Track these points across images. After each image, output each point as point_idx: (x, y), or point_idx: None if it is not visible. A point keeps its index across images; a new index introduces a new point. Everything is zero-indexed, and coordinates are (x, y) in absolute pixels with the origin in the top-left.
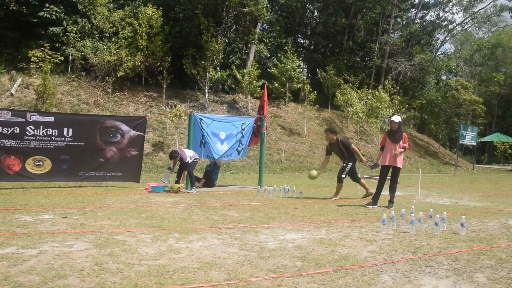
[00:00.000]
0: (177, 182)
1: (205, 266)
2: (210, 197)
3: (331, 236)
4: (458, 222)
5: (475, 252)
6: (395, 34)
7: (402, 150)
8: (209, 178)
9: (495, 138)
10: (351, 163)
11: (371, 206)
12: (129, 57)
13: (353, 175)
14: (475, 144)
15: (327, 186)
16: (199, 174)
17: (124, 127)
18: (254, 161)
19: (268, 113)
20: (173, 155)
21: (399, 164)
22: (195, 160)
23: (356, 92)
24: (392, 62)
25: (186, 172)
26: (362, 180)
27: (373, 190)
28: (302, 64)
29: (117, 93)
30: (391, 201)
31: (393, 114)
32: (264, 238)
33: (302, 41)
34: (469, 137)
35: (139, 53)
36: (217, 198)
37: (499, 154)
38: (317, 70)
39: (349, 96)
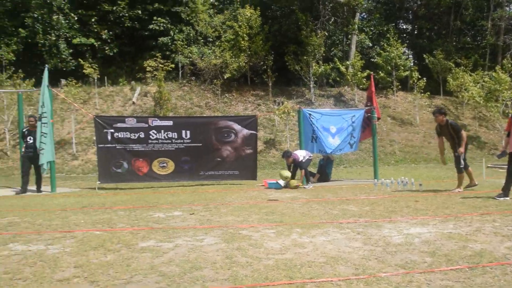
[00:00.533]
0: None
1: (331, 260)
2: (326, 191)
3: (460, 231)
4: None
5: None
6: (511, 7)
7: None
8: (324, 173)
9: None
10: (464, 153)
11: (502, 198)
12: (233, 59)
13: (458, 163)
14: None
15: (447, 178)
16: (313, 170)
17: (237, 127)
18: (366, 154)
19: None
20: (286, 154)
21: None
22: (309, 158)
23: (470, 75)
24: (510, 39)
25: (302, 171)
26: (470, 169)
27: (502, 181)
28: (407, 51)
29: (226, 94)
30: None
31: None
32: (388, 232)
33: (404, 26)
34: None
35: (242, 54)
36: (333, 192)
37: None
38: (424, 56)
39: (462, 80)
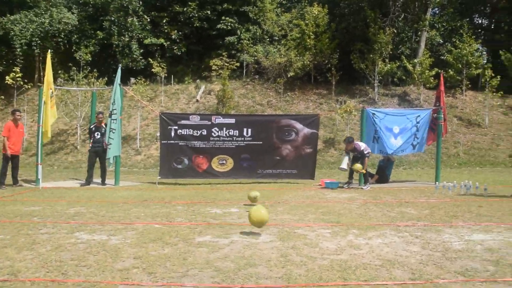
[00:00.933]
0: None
1: (387, 263)
2: (384, 193)
3: None
4: None
5: None
6: None
7: None
8: (383, 174)
9: None
10: None
11: None
12: (298, 57)
13: None
14: None
15: None
16: (372, 170)
17: (298, 125)
18: (428, 156)
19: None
20: (348, 140)
21: None
22: (367, 154)
23: None
24: None
25: (365, 159)
26: None
27: None
28: (481, 47)
29: (288, 93)
30: None
31: None
32: (448, 237)
33: (480, 21)
34: None
35: (307, 52)
36: (392, 194)
37: None
38: (500, 52)
39: None
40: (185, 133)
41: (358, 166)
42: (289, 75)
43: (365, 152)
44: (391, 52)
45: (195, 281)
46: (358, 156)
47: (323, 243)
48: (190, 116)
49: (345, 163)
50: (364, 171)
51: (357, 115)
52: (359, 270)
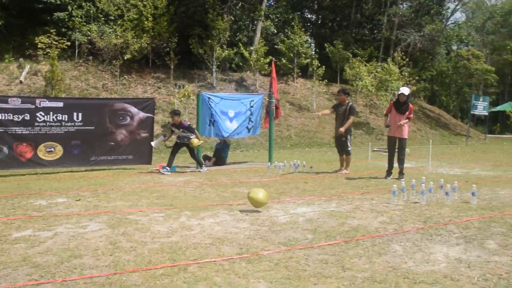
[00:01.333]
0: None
1: (217, 241)
2: (221, 175)
3: (341, 209)
4: (469, 191)
5: (486, 220)
6: (404, 5)
7: (407, 120)
8: (219, 157)
9: (508, 107)
10: (350, 136)
11: (388, 178)
12: (136, 40)
13: (342, 146)
14: (487, 114)
15: (337, 160)
16: (209, 153)
17: (133, 109)
18: (263, 138)
19: (277, 89)
20: (175, 112)
21: (405, 135)
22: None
23: (365, 65)
24: (401, 34)
25: (195, 133)
26: (351, 157)
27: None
28: (309, 39)
29: (125, 76)
30: (400, 173)
31: (402, 86)
32: (275, 212)
33: (309, 15)
34: (481, 107)
35: (145, 35)
36: (227, 175)
37: None
38: (325, 45)
39: (357, 70)
40: (3, 118)
41: (194, 141)
42: (125, 58)
43: (193, 127)
44: (229, 39)
45: (7, 282)
46: (184, 135)
47: (155, 227)
48: (10, 99)
49: (158, 141)
50: (200, 143)
51: (195, 100)
52: (189, 250)
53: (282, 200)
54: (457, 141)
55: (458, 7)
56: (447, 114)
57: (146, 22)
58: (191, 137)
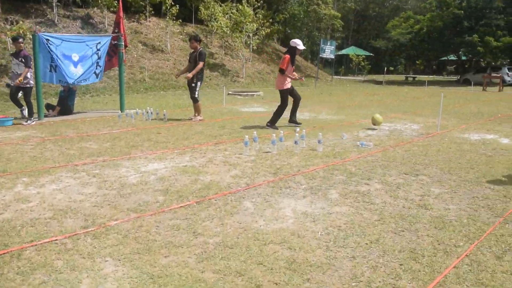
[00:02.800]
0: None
1: (59, 214)
2: (66, 126)
3: (194, 163)
4: (316, 138)
5: (329, 168)
6: None
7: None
8: (65, 105)
9: (351, 51)
10: (200, 83)
11: (272, 128)
12: None
13: (190, 92)
14: (333, 57)
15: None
16: (53, 101)
17: None
18: (115, 82)
19: (128, 29)
20: (17, 38)
21: (280, 87)
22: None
23: (220, 6)
24: None
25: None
26: (200, 103)
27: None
28: None
29: None
30: (270, 121)
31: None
32: (125, 172)
33: None
34: (328, 51)
35: None
36: (74, 127)
37: (354, 66)
38: None
39: (213, 10)
40: None
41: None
42: None
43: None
44: None
45: None
46: (17, 70)
47: None
48: None
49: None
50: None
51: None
52: (25, 229)
53: (133, 155)
54: (307, 82)
55: None
56: (299, 56)
57: None
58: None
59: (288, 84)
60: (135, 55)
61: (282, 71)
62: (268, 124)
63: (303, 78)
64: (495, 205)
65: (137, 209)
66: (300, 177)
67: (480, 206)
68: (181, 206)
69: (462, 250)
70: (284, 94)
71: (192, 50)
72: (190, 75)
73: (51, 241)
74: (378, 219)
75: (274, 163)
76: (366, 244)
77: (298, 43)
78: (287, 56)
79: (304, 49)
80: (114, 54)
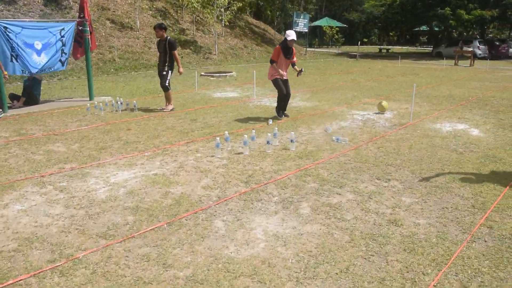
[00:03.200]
0: None
1: (24, 244)
2: (32, 122)
3: (165, 170)
4: (290, 131)
5: (302, 174)
6: None
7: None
8: (30, 95)
9: (325, 22)
10: (171, 72)
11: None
12: None
13: (160, 80)
14: (307, 30)
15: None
16: (18, 91)
17: None
18: (84, 63)
19: (94, 5)
20: None
21: (270, 77)
22: None
23: None
24: None
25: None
26: (170, 92)
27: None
28: None
29: None
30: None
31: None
32: (94, 183)
33: None
34: (302, 24)
35: None
36: (41, 122)
37: (328, 39)
38: None
39: None
40: None
41: None
42: None
43: None
44: None
45: None
46: None
47: None
48: None
49: None
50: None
51: None
52: None
53: (102, 161)
54: None
55: None
56: (272, 29)
57: None
58: None
59: (277, 75)
60: (103, 34)
61: (271, 62)
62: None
63: (302, 72)
64: (463, 218)
65: (106, 234)
66: (272, 186)
67: (449, 219)
68: (152, 229)
69: (429, 279)
70: (275, 83)
71: (158, 39)
72: (182, 70)
73: (15, 282)
74: (349, 240)
75: (246, 168)
76: (336, 274)
77: (288, 34)
78: (278, 47)
79: (293, 40)
80: (81, 41)
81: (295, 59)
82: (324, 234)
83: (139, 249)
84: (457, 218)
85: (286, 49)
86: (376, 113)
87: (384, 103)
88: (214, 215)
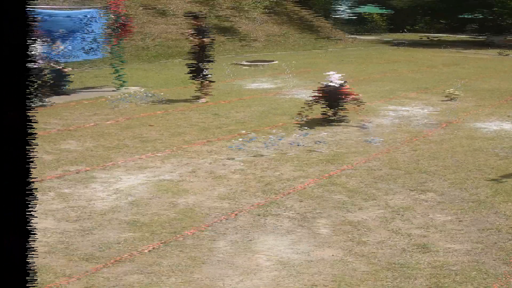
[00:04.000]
0: None
1: None
2: (52, 116)
3: (175, 175)
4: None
5: (325, 182)
6: None
7: None
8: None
9: (368, 10)
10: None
11: None
12: None
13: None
14: (347, 17)
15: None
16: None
17: None
18: (120, 51)
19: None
20: None
21: None
22: None
23: None
24: None
25: None
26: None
27: None
28: None
29: None
30: None
31: None
32: (97, 191)
33: None
34: (341, 9)
35: None
36: (60, 117)
37: (370, 26)
38: None
39: None
40: None
41: None
42: None
43: None
44: None
45: None
46: None
47: None
48: None
49: None
50: None
51: None
52: None
53: (113, 163)
54: (324, 44)
55: None
56: (313, 16)
57: None
58: None
59: None
60: (138, 21)
61: None
62: None
63: None
64: (505, 243)
65: (92, 256)
66: (291, 198)
67: (488, 245)
68: (150, 250)
69: None
70: None
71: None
72: None
73: None
74: (367, 271)
75: (265, 174)
76: None
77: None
78: None
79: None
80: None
81: None
82: (339, 261)
83: (124, 276)
84: (498, 243)
85: None
86: (416, 107)
87: (452, 90)
88: (219, 233)
